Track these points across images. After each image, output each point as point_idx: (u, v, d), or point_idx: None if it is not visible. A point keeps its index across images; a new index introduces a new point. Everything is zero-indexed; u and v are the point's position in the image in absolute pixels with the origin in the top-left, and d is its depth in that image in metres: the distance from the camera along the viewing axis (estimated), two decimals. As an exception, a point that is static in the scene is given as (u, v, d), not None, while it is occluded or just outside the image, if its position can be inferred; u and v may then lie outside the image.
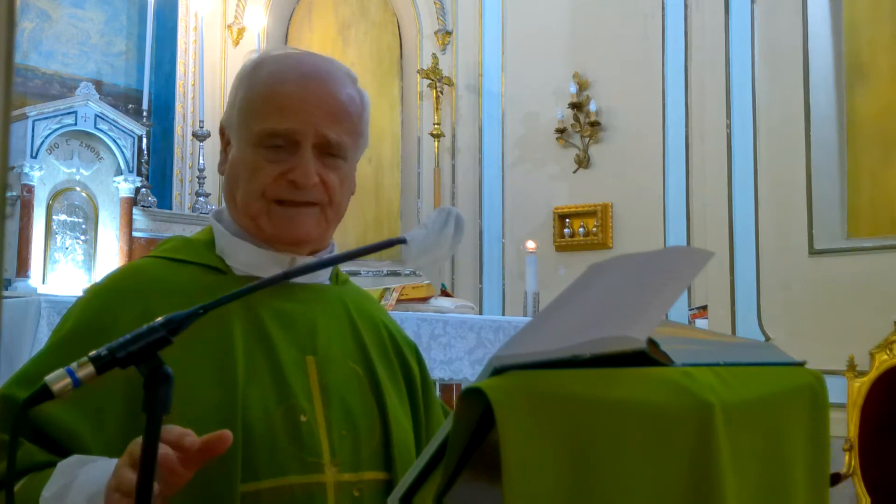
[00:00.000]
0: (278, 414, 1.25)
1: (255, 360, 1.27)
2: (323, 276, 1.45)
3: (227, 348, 1.26)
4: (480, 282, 6.50)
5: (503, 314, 6.11)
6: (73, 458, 1.14)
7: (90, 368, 0.94)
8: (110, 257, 5.56)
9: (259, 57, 1.41)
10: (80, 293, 1.39)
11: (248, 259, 1.35)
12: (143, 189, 5.94)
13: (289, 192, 1.33)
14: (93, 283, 1.41)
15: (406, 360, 1.50)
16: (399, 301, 3.63)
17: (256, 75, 1.37)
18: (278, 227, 1.33)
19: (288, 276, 1.16)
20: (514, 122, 6.52)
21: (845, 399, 3.60)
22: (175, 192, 6.50)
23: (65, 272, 5.42)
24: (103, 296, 1.33)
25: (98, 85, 6.06)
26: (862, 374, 3.58)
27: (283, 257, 1.35)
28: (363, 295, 1.54)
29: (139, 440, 0.97)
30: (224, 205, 1.43)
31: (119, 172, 5.66)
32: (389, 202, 6.96)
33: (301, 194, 1.33)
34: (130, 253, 5.51)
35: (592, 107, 6.14)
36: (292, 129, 1.32)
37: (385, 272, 6.63)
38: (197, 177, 6.33)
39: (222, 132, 1.42)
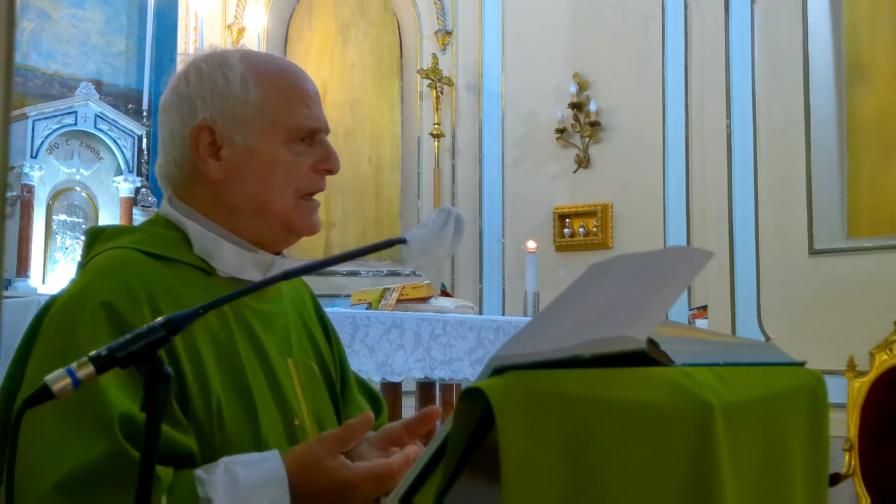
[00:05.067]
0: (279, 420, 1.29)
1: (254, 366, 1.30)
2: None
3: (234, 358, 1.28)
4: (480, 282, 6.50)
5: (503, 314, 6.10)
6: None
7: (90, 368, 0.94)
8: (110, 257, 5.56)
9: (231, 53, 1.37)
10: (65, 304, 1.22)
11: (234, 262, 1.34)
12: (143, 189, 5.95)
13: (319, 183, 1.36)
14: (78, 289, 1.24)
15: (331, 336, 1.55)
16: (399, 301, 3.63)
17: (261, 70, 1.35)
18: (307, 222, 1.37)
19: (289, 275, 1.16)
20: (514, 122, 6.52)
21: (845, 399, 3.60)
22: (175, 192, 6.49)
23: (65, 272, 5.42)
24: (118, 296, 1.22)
25: (98, 85, 6.06)
26: (862, 374, 3.58)
27: (264, 259, 1.36)
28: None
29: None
30: (179, 202, 1.36)
31: (119, 172, 5.66)
32: (389, 202, 6.95)
33: (323, 184, 1.38)
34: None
35: (592, 107, 6.15)
36: (321, 121, 1.37)
37: (385, 272, 6.63)
38: (197, 177, 6.33)
39: (203, 132, 1.33)
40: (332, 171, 1.37)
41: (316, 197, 1.39)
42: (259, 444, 1.24)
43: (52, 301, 1.27)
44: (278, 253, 1.41)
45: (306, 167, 1.35)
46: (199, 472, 1.16)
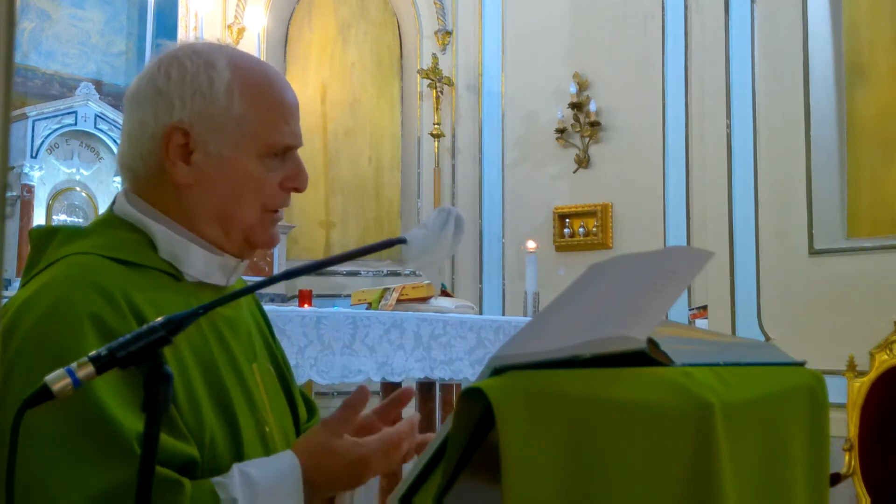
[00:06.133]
0: (254, 428, 1.28)
1: (229, 373, 1.29)
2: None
3: (213, 365, 1.26)
4: (480, 282, 6.50)
5: (503, 314, 6.11)
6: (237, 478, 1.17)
7: (90, 368, 0.94)
8: (110, 257, 5.57)
9: (218, 54, 1.31)
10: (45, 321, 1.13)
11: (204, 266, 1.31)
12: (143, 189, 5.94)
13: (285, 200, 1.33)
14: (53, 305, 1.15)
15: (275, 338, 1.54)
16: (399, 301, 3.63)
17: (249, 80, 1.30)
18: (268, 236, 1.34)
19: (290, 275, 1.16)
20: (514, 122, 6.52)
21: (845, 399, 3.59)
22: (175, 192, 6.50)
23: (65, 272, 5.42)
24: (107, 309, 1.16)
25: (98, 85, 6.06)
26: (862, 374, 3.58)
27: (229, 263, 1.33)
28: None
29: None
30: (139, 200, 1.30)
31: (119, 172, 5.66)
32: (389, 202, 6.96)
33: (288, 201, 1.35)
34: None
35: (592, 107, 6.15)
36: (297, 137, 1.33)
37: (385, 272, 6.64)
38: (197, 177, 6.34)
39: (176, 133, 1.27)
40: (299, 189, 1.34)
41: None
42: (240, 455, 1.22)
43: (20, 315, 1.16)
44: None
45: (275, 183, 1.31)
46: (214, 479, 1.16)
